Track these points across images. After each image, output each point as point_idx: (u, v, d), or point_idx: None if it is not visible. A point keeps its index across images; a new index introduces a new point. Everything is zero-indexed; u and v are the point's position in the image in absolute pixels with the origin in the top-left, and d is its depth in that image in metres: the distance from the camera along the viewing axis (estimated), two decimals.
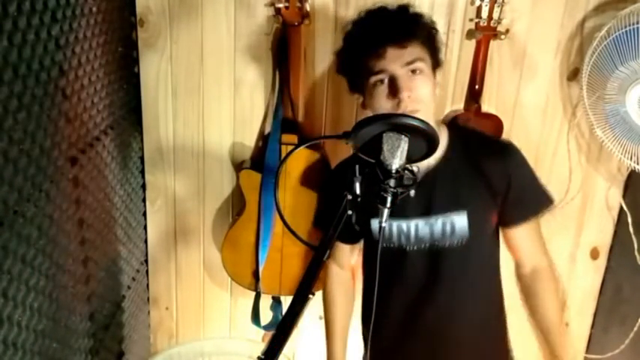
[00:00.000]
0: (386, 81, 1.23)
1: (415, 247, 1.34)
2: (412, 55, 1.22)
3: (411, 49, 1.23)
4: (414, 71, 1.23)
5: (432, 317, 1.37)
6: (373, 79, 1.24)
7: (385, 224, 1.04)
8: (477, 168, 1.32)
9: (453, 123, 1.41)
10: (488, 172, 1.32)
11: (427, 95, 1.24)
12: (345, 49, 1.34)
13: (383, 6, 1.30)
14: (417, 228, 1.33)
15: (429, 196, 1.31)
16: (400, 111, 1.20)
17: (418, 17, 1.30)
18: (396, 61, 1.22)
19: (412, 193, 1.29)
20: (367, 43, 1.25)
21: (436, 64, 1.30)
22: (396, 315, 1.41)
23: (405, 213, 1.33)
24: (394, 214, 1.32)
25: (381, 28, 1.25)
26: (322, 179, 1.68)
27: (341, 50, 1.36)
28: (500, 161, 1.33)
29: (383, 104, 1.24)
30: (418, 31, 1.26)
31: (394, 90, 1.21)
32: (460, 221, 1.30)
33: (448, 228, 1.31)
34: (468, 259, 1.34)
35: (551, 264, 1.42)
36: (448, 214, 1.31)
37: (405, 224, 1.33)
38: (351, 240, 1.47)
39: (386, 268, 1.37)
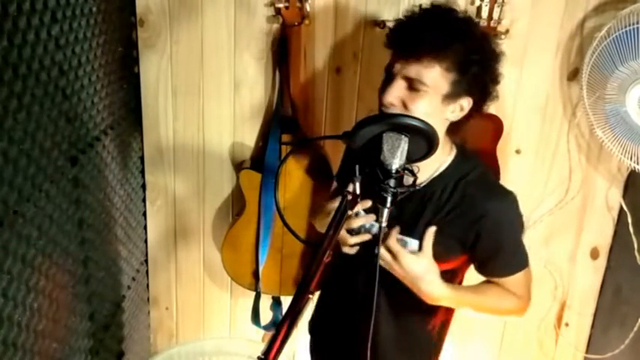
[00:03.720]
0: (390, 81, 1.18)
1: (360, 248, 1.30)
2: (415, 74, 1.14)
3: (419, 67, 1.13)
4: (412, 88, 1.15)
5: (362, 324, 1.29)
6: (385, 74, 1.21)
7: (385, 224, 1.04)
8: (455, 206, 1.23)
9: (465, 150, 1.30)
10: (463, 216, 1.22)
11: (420, 114, 1.13)
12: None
13: (426, 9, 1.20)
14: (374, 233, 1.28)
15: (399, 210, 1.22)
16: None
17: (453, 37, 1.14)
18: (402, 70, 1.16)
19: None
20: (393, 40, 1.20)
21: (465, 92, 1.17)
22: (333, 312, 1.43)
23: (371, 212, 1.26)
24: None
25: (409, 32, 1.17)
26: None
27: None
28: (478, 208, 1.21)
29: (380, 102, 1.20)
30: (441, 52, 1.13)
31: (387, 92, 1.17)
32: (412, 247, 1.23)
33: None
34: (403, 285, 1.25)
35: (524, 302, 1.31)
36: (404, 236, 1.24)
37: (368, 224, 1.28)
38: None
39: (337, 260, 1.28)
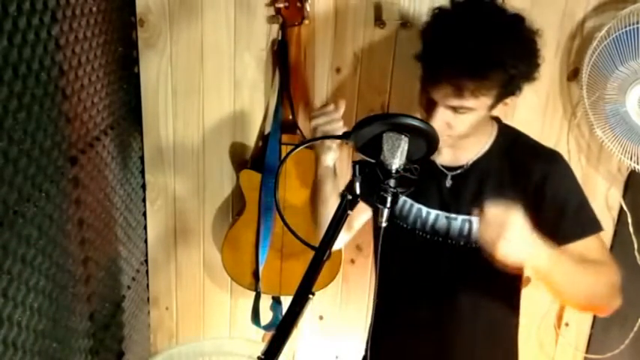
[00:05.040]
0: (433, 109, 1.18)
1: (428, 237, 1.31)
2: (458, 104, 1.15)
3: (461, 100, 1.14)
4: (456, 112, 1.17)
5: (435, 313, 1.35)
6: (426, 98, 1.20)
7: (385, 224, 1.03)
8: (513, 175, 1.25)
9: (501, 121, 1.33)
10: (523, 181, 1.23)
11: (468, 128, 1.19)
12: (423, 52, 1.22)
13: (458, 11, 1.18)
14: (436, 219, 1.30)
15: (457, 193, 1.28)
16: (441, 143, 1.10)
17: (492, 59, 1.11)
18: (443, 101, 1.16)
19: (449, 183, 1.29)
20: (431, 66, 1.18)
21: (510, 94, 1.19)
22: (401, 302, 1.40)
23: (428, 200, 1.30)
24: (418, 197, 1.31)
25: (442, 60, 1.14)
26: None
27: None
28: (538, 171, 1.23)
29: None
30: (481, 83, 1.12)
31: (431, 121, 1.17)
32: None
33: (466, 228, 1.27)
34: (481, 261, 1.23)
35: (613, 266, 1.27)
36: (469, 216, 1.27)
37: (425, 210, 1.31)
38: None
39: (396, 250, 1.31)
